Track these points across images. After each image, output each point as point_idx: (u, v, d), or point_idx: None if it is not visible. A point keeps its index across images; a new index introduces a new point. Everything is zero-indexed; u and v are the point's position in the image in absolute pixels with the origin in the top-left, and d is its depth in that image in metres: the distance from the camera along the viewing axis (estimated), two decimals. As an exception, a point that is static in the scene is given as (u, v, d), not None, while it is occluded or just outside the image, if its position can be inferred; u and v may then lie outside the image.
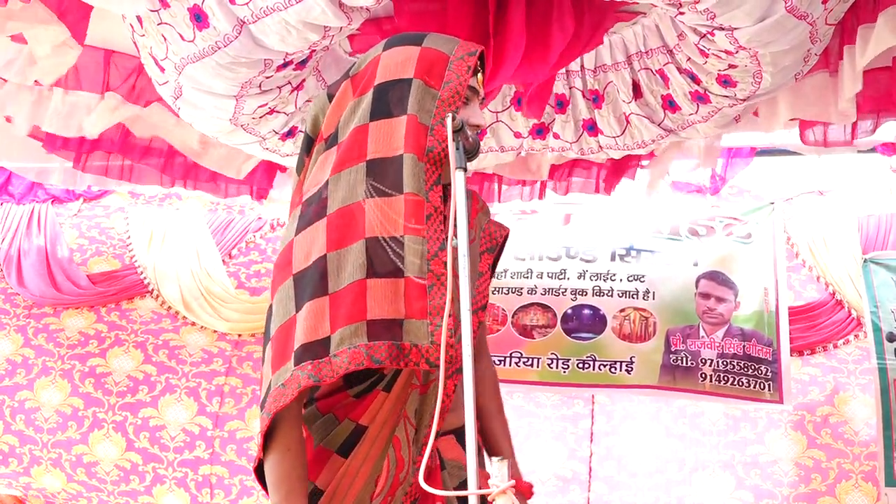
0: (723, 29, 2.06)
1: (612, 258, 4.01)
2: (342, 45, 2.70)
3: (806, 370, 3.96)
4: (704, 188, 4.07)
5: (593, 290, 3.97)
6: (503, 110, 2.97)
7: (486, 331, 1.76)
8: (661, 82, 2.65)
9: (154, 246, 4.61)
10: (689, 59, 2.44)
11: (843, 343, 3.95)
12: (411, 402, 1.43)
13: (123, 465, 4.26)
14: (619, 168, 3.33)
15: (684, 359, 3.78)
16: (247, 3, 1.96)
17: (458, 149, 1.35)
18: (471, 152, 1.40)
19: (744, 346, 3.74)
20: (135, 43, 2.36)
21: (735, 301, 3.84)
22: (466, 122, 1.46)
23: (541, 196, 3.52)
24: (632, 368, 3.82)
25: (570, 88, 2.84)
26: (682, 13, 2.06)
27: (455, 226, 1.30)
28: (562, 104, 2.88)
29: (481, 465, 1.53)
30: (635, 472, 4.03)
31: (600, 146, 2.97)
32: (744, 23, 2.01)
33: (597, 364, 3.86)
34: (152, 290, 4.53)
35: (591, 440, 4.15)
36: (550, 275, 4.04)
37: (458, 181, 1.32)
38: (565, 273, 4.02)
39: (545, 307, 4.01)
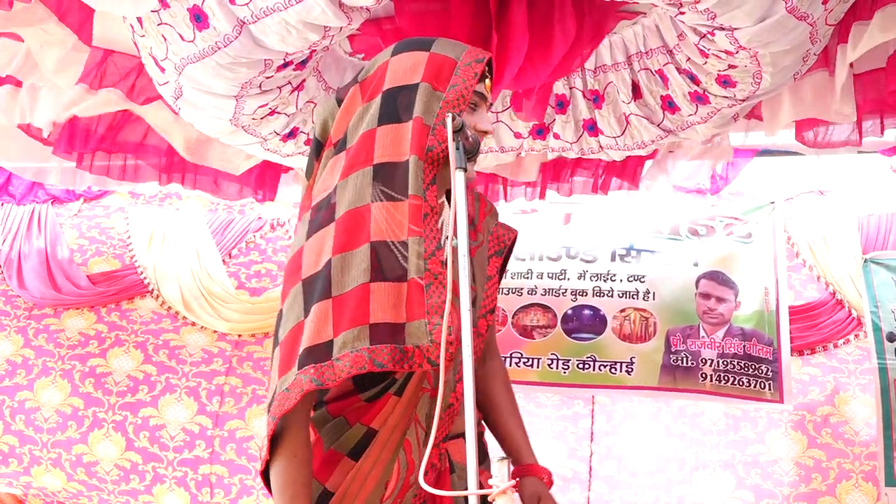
0: (723, 29, 2.06)
1: (613, 258, 4.01)
2: (342, 45, 2.70)
3: (806, 370, 3.96)
4: (705, 188, 4.07)
5: (593, 290, 3.97)
6: (503, 110, 2.97)
7: (494, 331, 1.76)
8: (660, 83, 2.65)
9: (154, 246, 4.61)
10: (688, 59, 2.44)
11: (844, 343, 3.95)
12: (422, 406, 1.44)
13: (123, 464, 4.26)
14: (621, 169, 3.33)
15: (685, 359, 3.78)
16: (247, 4, 1.96)
17: (458, 149, 1.35)
18: (471, 152, 1.41)
19: (744, 346, 3.74)
20: (135, 43, 2.36)
21: (735, 301, 3.84)
22: (475, 127, 1.47)
23: (541, 196, 3.52)
24: (632, 369, 3.82)
25: (571, 89, 2.84)
26: (682, 13, 2.06)
27: (455, 226, 1.30)
28: (562, 104, 2.88)
29: (488, 466, 1.54)
30: (635, 472, 4.03)
31: (601, 146, 2.97)
32: (744, 23, 2.01)
33: (597, 364, 3.86)
34: (152, 290, 4.53)
35: (592, 440, 4.15)
36: (550, 275, 4.04)
37: (458, 181, 1.32)
38: (565, 273, 4.02)
39: (545, 307, 4.01)
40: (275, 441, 1.34)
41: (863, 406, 3.80)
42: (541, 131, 2.99)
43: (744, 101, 2.50)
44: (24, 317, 4.53)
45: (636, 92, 2.73)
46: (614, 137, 2.90)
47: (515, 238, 1.67)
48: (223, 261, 4.60)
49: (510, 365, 3.87)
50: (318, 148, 1.54)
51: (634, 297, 3.92)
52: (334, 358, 1.28)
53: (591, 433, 4.16)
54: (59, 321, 4.51)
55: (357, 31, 2.25)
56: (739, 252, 3.90)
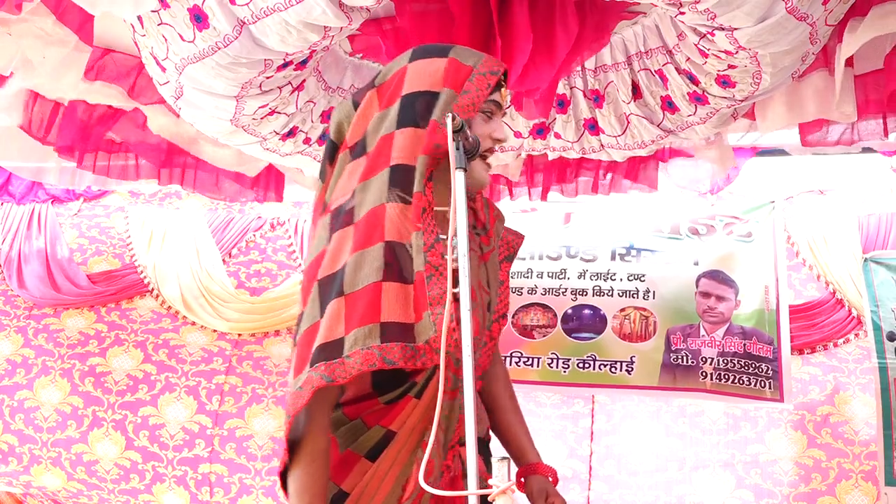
0: (723, 29, 2.06)
1: (613, 257, 4.01)
2: (342, 45, 2.70)
3: (806, 369, 3.96)
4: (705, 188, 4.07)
5: (593, 289, 3.97)
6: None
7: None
8: (660, 83, 2.65)
9: (154, 245, 4.61)
10: (688, 59, 2.44)
11: (844, 342, 3.95)
12: (442, 408, 1.44)
13: (123, 463, 4.26)
14: (623, 169, 3.32)
15: (685, 358, 3.78)
16: (247, 4, 1.96)
17: (458, 149, 1.36)
18: (471, 152, 1.42)
19: (744, 345, 3.74)
20: (135, 42, 2.35)
21: (735, 300, 3.84)
22: (490, 136, 1.51)
23: (543, 197, 3.51)
24: (632, 368, 3.82)
25: (571, 88, 2.84)
26: (682, 13, 2.06)
27: (455, 225, 1.30)
28: (563, 104, 2.87)
29: (488, 467, 1.54)
30: (635, 471, 4.03)
31: (602, 145, 2.97)
32: (744, 23, 2.01)
33: (597, 364, 3.86)
34: (152, 289, 4.54)
35: (592, 439, 4.15)
36: (550, 274, 4.04)
37: (458, 181, 1.33)
38: (565, 273, 4.03)
39: (545, 307, 4.01)
40: (295, 444, 1.35)
41: (863, 405, 3.80)
42: (541, 131, 2.99)
43: (743, 101, 2.50)
44: (24, 316, 4.53)
45: (636, 92, 2.73)
46: (615, 136, 2.90)
47: (522, 242, 1.69)
48: (223, 260, 4.61)
49: (510, 364, 3.88)
50: (332, 150, 1.56)
51: (634, 296, 3.92)
52: (345, 355, 1.29)
53: (591, 432, 4.16)
54: (58, 321, 4.51)
55: (357, 31, 2.25)
56: (740, 251, 3.90)
